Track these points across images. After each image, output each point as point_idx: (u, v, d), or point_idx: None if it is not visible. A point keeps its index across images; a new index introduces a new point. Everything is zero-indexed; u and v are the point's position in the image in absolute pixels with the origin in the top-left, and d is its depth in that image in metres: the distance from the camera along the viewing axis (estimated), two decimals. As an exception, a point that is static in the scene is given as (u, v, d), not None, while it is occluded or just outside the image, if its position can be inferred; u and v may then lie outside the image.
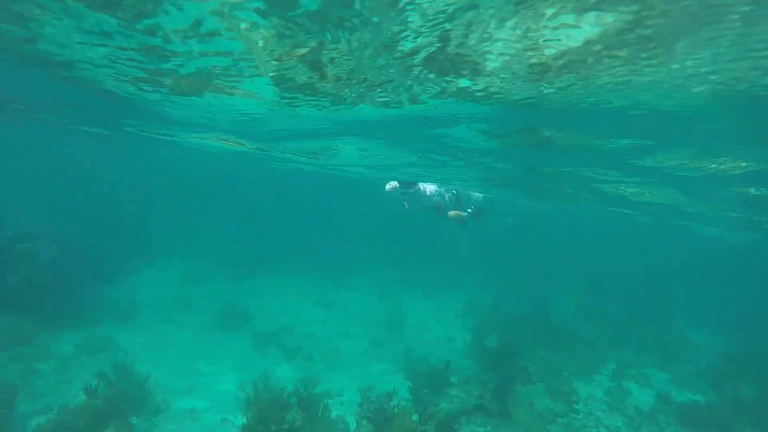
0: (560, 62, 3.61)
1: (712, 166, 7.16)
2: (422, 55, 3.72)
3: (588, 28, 3.01)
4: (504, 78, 4.12)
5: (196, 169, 29.20)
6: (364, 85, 4.78)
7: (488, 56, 3.64)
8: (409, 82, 4.51)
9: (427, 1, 2.87)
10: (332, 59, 4.07)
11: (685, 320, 16.80)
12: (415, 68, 4.07)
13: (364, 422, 7.65)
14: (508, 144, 7.43)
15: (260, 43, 3.85)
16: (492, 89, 4.47)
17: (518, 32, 3.18)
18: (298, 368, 11.32)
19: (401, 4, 2.94)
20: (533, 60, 3.62)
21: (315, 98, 5.55)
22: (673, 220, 15.51)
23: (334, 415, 8.40)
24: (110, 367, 8.24)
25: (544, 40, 3.26)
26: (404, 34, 3.37)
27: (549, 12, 2.87)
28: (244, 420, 6.83)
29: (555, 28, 3.07)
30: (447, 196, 9.83)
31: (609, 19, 2.88)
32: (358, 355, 12.50)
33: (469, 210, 9.79)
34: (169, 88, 6.05)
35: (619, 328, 13.99)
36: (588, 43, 3.23)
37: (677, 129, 5.19)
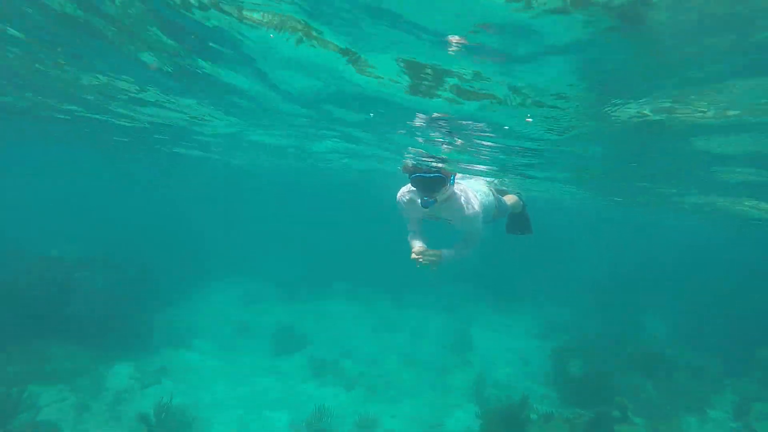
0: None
1: None
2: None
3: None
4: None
5: (251, 184, 29.54)
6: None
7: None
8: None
9: None
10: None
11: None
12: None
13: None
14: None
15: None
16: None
17: None
18: (358, 400, 10.39)
19: None
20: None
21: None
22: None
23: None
24: (154, 408, 7.75)
25: None
26: None
27: None
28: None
29: None
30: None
31: None
32: (425, 383, 11.35)
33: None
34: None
35: (734, 351, 11.76)
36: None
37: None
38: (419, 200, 4.45)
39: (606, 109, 4.21)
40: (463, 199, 4.71)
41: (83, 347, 9.67)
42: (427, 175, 4.32)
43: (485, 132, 5.76)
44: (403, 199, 4.94)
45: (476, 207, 4.75)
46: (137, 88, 6.48)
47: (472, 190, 5.07)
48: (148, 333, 11.33)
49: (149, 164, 18.66)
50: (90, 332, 9.76)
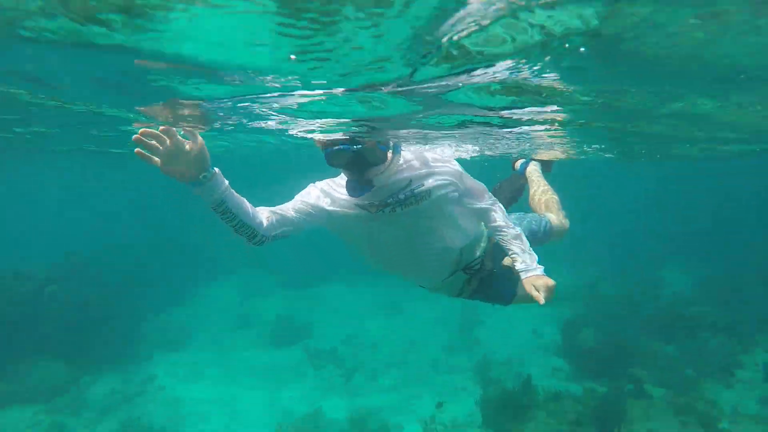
0: None
1: None
2: None
3: None
4: None
5: (248, 172, 28.62)
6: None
7: None
8: None
9: None
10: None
11: None
12: None
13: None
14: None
15: None
16: None
17: None
18: (357, 391, 9.84)
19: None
20: None
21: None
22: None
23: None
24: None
25: None
26: None
27: None
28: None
29: None
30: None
31: None
32: (427, 366, 10.74)
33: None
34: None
35: (764, 302, 10.75)
36: None
37: None
38: (344, 190, 2.48)
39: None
40: (426, 158, 2.60)
41: (65, 363, 9.29)
42: (351, 147, 2.41)
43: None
44: (328, 195, 2.64)
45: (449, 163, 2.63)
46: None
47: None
48: (136, 340, 10.97)
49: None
50: (69, 347, 9.38)
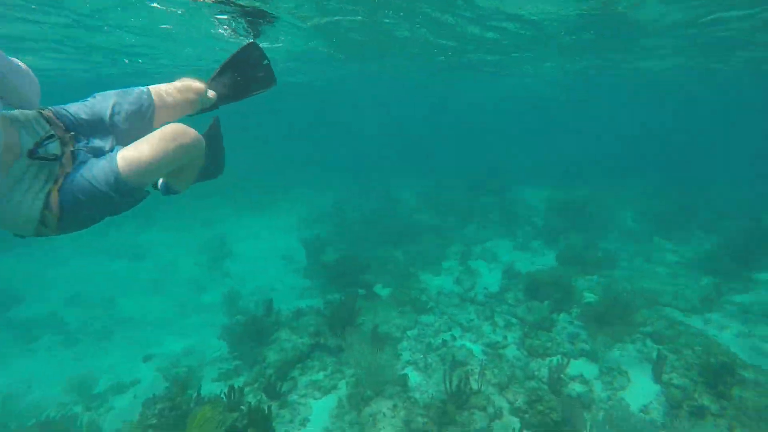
0: None
1: None
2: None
3: None
4: None
5: None
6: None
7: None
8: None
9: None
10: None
11: (520, 179, 17.05)
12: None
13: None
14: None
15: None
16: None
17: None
18: (83, 355, 8.43)
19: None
20: None
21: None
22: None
23: (112, 426, 5.99)
24: None
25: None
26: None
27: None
28: None
29: None
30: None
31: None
32: (173, 311, 9.91)
33: None
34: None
35: (463, 206, 13.34)
36: None
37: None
38: None
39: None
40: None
41: None
42: None
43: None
44: None
45: None
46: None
47: None
48: None
49: None
50: None
